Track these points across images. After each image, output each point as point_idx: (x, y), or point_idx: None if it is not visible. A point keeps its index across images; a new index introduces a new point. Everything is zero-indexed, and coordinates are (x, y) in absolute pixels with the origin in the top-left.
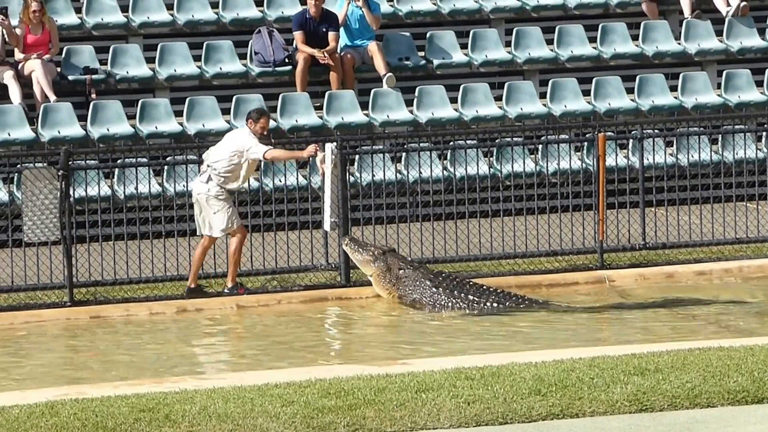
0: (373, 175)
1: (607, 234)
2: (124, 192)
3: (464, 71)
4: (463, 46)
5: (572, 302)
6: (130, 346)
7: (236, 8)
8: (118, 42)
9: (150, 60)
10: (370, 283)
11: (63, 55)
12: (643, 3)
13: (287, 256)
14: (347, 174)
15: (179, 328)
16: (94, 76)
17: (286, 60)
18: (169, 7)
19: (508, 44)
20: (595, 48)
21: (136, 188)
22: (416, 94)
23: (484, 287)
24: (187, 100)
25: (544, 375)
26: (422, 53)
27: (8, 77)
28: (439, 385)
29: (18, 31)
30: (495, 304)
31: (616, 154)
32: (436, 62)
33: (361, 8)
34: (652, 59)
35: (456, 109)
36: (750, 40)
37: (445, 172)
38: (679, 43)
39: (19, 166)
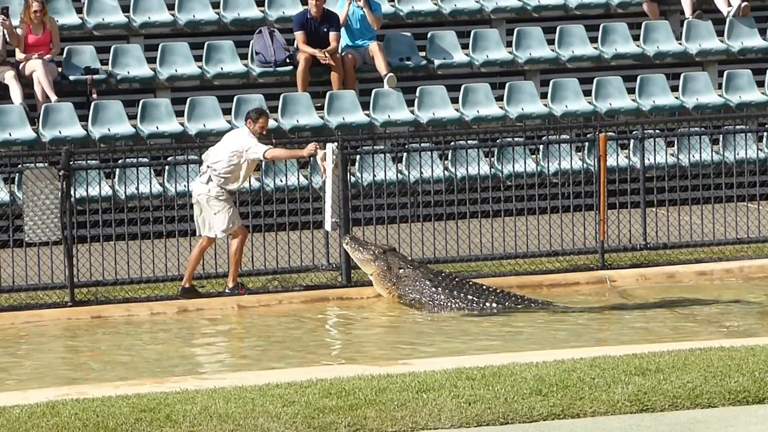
0: (374, 175)
1: (608, 234)
2: (125, 192)
3: (465, 71)
4: (464, 46)
5: (573, 302)
6: (131, 346)
7: (237, 8)
8: (119, 42)
9: (151, 60)
10: (371, 284)
11: (64, 55)
12: (644, 3)
13: (288, 257)
14: (348, 174)
15: (180, 328)
16: (95, 76)
17: (287, 60)
18: (170, 7)
19: (509, 44)
20: (596, 48)
21: (137, 188)
22: (417, 94)
23: (484, 287)
24: (188, 100)
25: (545, 375)
26: (423, 53)
27: (9, 77)
28: (440, 385)
29: (19, 31)
30: (494, 304)
31: (617, 154)
32: (437, 62)
33: (362, 8)
34: (653, 59)
35: (457, 109)
36: (751, 40)
37: (446, 172)
38: (680, 44)
39: (20, 166)
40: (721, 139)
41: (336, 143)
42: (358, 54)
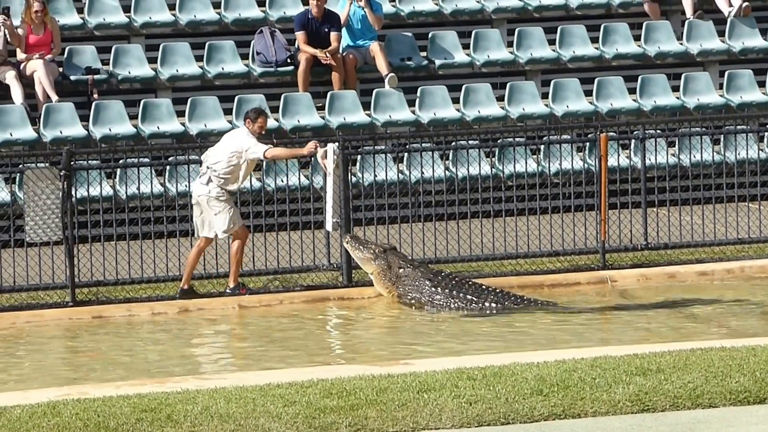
0: (375, 176)
1: (609, 234)
2: (126, 192)
3: (466, 71)
4: (465, 47)
5: (574, 302)
6: (132, 346)
7: (238, 8)
8: (120, 42)
9: (152, 60)
10: (372, 284)
11: (65, 55)
12: (645, 3)
13: (289, 257)
14: (349, 174)
15: (181, 328)
16: (96, 76)
17: (288, 60)
18: (171, 7)
19: (510, 44)
20: (597, 48)
21: (138, 188)
22: (418, 94)
23: (483, 287)
24: (189, 100)
25: (546, 375)
26: (424, 53)
27: (10, 77)
28: (441, 386)
29: (20, 31)
30: (494, 304)
31: (618, 155)
32: (438, 62)
33: (363, 8)
34: (654, 59)
35: (458, 110)
36: (752, 40)
37: (447, 172)
38: (681, 44)
39: (21, 166)
40: (722, 139)
41: (337, 143)
42: (359, 54)
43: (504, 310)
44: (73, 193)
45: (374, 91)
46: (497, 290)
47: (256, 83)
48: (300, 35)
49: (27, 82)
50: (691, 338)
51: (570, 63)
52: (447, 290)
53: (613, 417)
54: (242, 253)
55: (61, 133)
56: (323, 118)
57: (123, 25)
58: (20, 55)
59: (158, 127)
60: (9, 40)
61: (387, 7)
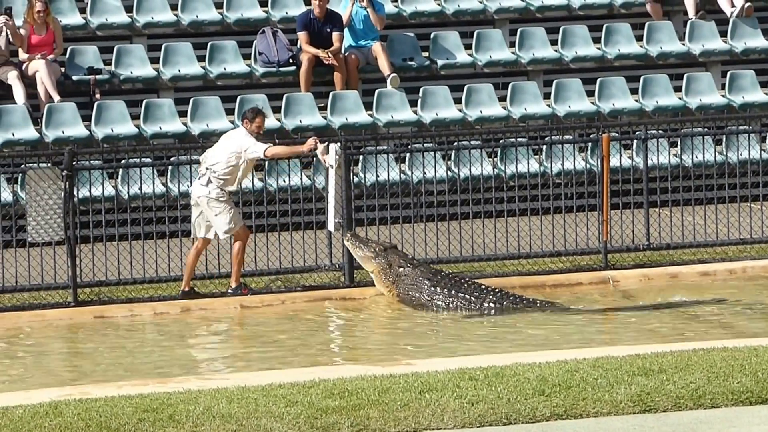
0: (377, 176)
1: (611, 234)
2: (128, 192)
3: (468, 72)
4: (467, 47)
5: (575, 303)
6: (134, 346)
7: (240, 8)
8: (122, 42)
9: (154, 60)
10: (373, 284)
11: (67, 55)
12: (648, 3)
13: (291, 257)
14: (351, 174)
15: (183, 328)
16: (98, 77)
17: (290, 60)
18: (174, 7)
19: (512, 45)
20: (599, 48)
21: (140, 188)
22: (420, 94)
23: (483, 287)
24: (191, 100)
25: (548, 375)
26: (426, 54)
27: (12, 77)
28: (443, 386)
29: (22, 31)
30: (493, 304)
31: (621, 155)
32: (440, 63)
33: (365, 9)
34: (656, 60)
35: (460, 110)
36: (754, 40)
37: (449, 172)
38: (684, 44)
39: (23, 166)
40: (724, 139)
41: (339, 143)
42: (361, 54)
43: (503, 310)
44: (75, 193)
45: (376, 92)
46: (496, 290)
47: (258, 83)
48: (302, 35)
49: (29, 82)
50: (693, 338)
51: (572, 63)
52: (446, 290)
53: (615, 417)
54: (243, 253)
55: (63, 133)
56: (325, 118)
57: (125, 25)
58: (22, 55)
59: (160, 127)
60: (11, 40)
61: (389, 8)
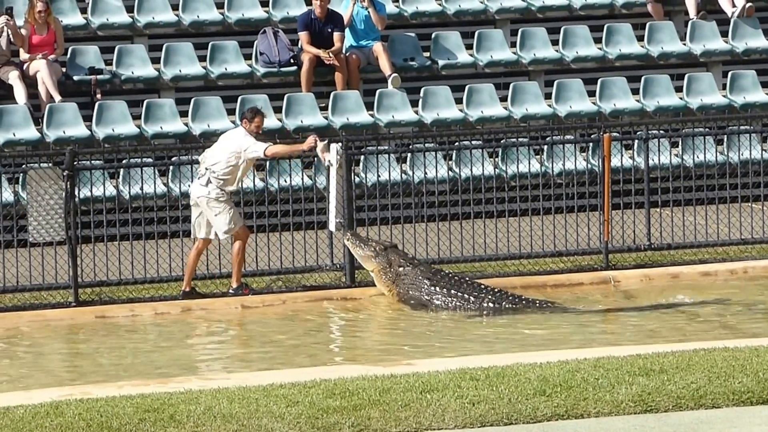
0: (379, 176)
1: (612, 235)
2: (129, 192)
3: (469, 72)
4: (469, 47)
5: (576, 303)
6: (135, 346)
7: (241, 9)
8: (123, 42)
9: (155, 60)
10: (374, 284)
11: (68, 55)
12: (649, 4)
13: (292, 257)
14: (352, 174)
15: (184, 328)
16: (100, 77)
17: (292, 60)
18: (175, 7)
19: (513, 45)
20: (600, 49)
21: (141, 188)
22: (421, 94)
23: (482, 286)
24: (193, 100)
25: (549, 376)
26: (427, 54)
27: (13, 77)
28: (443, 386)
29: (23, 31)
30: (492, 304)
31: (622, 155)
32: (441, 63)
33: (366, 9)
34: (657, 60)
35: (461, 110)
36: (755, 40)
37: (450, 172)
38: (685, 44)
39: (24, 166)
40: (725, 139)
41: (340, 143)
42: (362, 54)
43: (502, 310)
44: (76, 193)
45: (377, 92)
46: (495, 290)
47: (259, 83)
48: (303, 35)
49: (30, 82)
50: (694, 339)
51: (573, 63)
52: (446, 289)
53: (616, 417)
54: (244, 253)
55: (64, 133)
56: (326, 118)
57: (126, 26)
58: (23, 55)
59: (161, 128)
60: (12, 40)
61: (390, 8)
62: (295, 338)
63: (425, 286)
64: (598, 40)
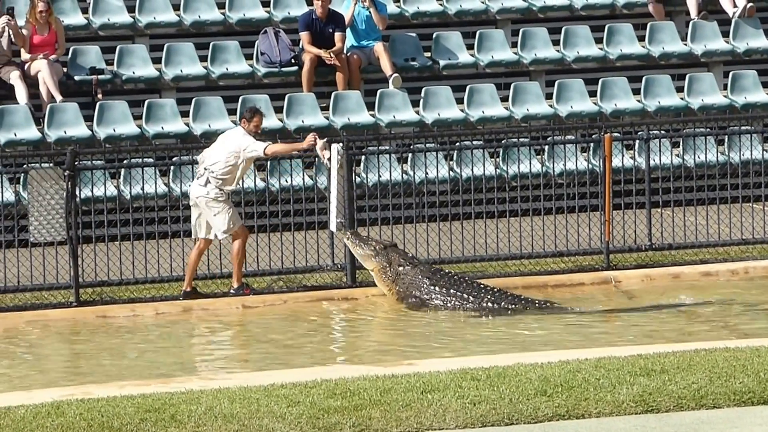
0: (380, 176)
1: (613, 235)
2: (131, 192)
3: (470, 72)
4: (470, 47)
5: (577, 303)
6: (136, 346)
7: (243, 9)
8: (124, 42)
9: (156, 60)
10: (375, 284)
11: (69, 55)
12: (650, 4)
13: (293, 257)
14: (353, 174)
15: (185, 328)
16: (101, 77)
17: (293, 60)
18: (176, 7)
19: (514, 45)
20: (601, 49)
21: (143, 188)
22: (422, 94)
23: (481, 286)
24: (194, 100)
25: (550, 376)
26: (428, 54)
27: (15, 77)
28: (444, 386)
29: (24, 31)
30: (491, 304)
31: (623, 155)
32: (442, 63)
33: (367, 9)
34: (658, 60)
35: (462, 110)
36: (756, 41)
37: (451, 172)
38: (686, 44)
39: (25, 166)
40: (726, 139)
41: (341, 144)
42: (363, 54)
43: (502, 310)
44: (77, 193)
45: (378, 92)
46: (495, 290)
47: (261, 83)
48: (304, 35)
49: (31, 82)
50: (695, 339)
51: (574, 63)
52: (445, 289)
53: (617, 418)
54: (243, 252)
55: (65, 133)
56: (327, 118)
57: (127, 26)
58: (24, 55)
59: (162, 128)
60: (13, 40)
61: (391, 8)
62: (296, 338)
63: (425, 286)
64: (599, 41)
